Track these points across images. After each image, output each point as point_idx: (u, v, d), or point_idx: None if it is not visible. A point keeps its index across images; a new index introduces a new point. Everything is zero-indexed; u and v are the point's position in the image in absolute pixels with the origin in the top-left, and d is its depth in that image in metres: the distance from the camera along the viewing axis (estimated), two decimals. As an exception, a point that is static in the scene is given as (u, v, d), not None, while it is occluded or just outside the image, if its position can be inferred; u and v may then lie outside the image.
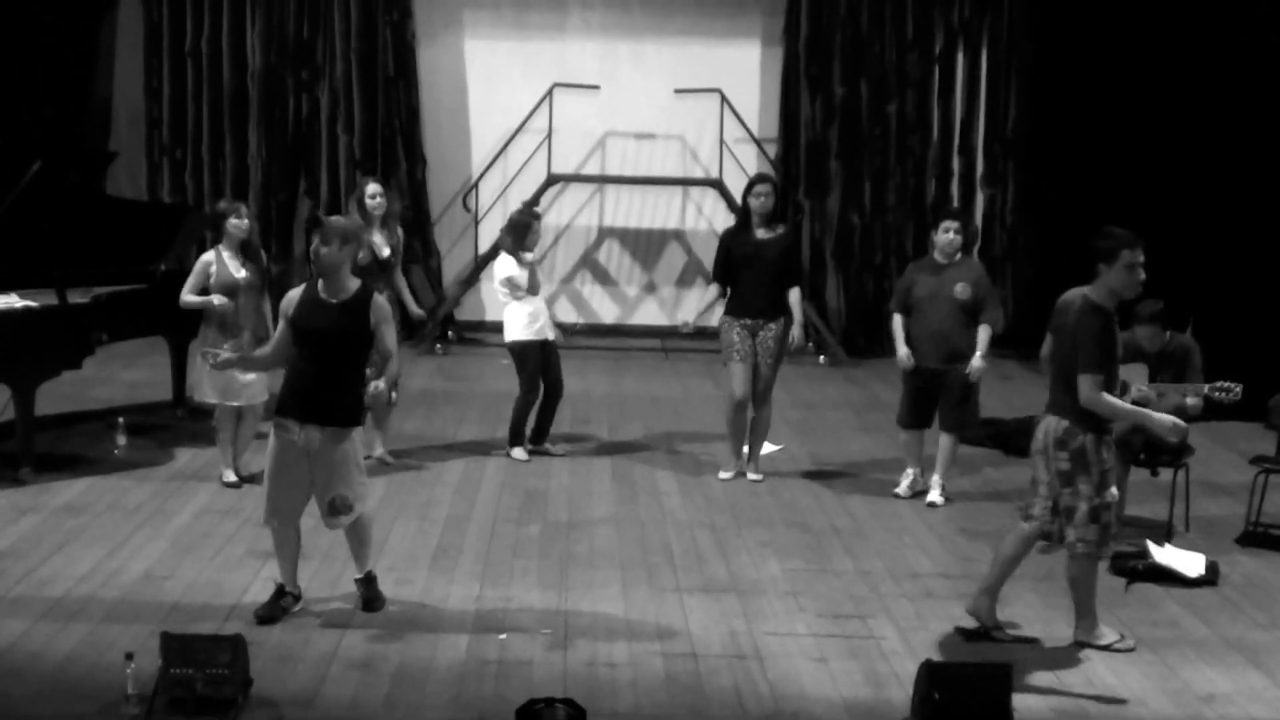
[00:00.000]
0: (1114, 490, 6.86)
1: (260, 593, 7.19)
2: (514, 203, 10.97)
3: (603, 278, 16.82)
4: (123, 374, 12.69)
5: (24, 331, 9.37)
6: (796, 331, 9.82)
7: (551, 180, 15.72)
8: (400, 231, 10.13)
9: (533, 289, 10.09)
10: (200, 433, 10.57)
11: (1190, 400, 7.94)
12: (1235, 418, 10.30)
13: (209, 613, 7.04)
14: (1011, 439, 11.12)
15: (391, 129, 15.92)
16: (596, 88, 16.09)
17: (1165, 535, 8.58)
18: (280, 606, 7.04)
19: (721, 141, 15.89)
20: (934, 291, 9.27)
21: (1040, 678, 6.58)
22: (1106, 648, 6.94)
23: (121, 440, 10.28)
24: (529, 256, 10.11)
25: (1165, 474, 8.92)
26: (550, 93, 15.78)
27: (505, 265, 10.15)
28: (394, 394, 9.98)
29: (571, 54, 16.29)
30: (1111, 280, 6.68)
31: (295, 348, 6.89)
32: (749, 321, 9.70)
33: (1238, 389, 7.64)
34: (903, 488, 9.66)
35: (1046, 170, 15.39)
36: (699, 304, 9.98)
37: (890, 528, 8.97)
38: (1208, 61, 12.69)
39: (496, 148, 16.11)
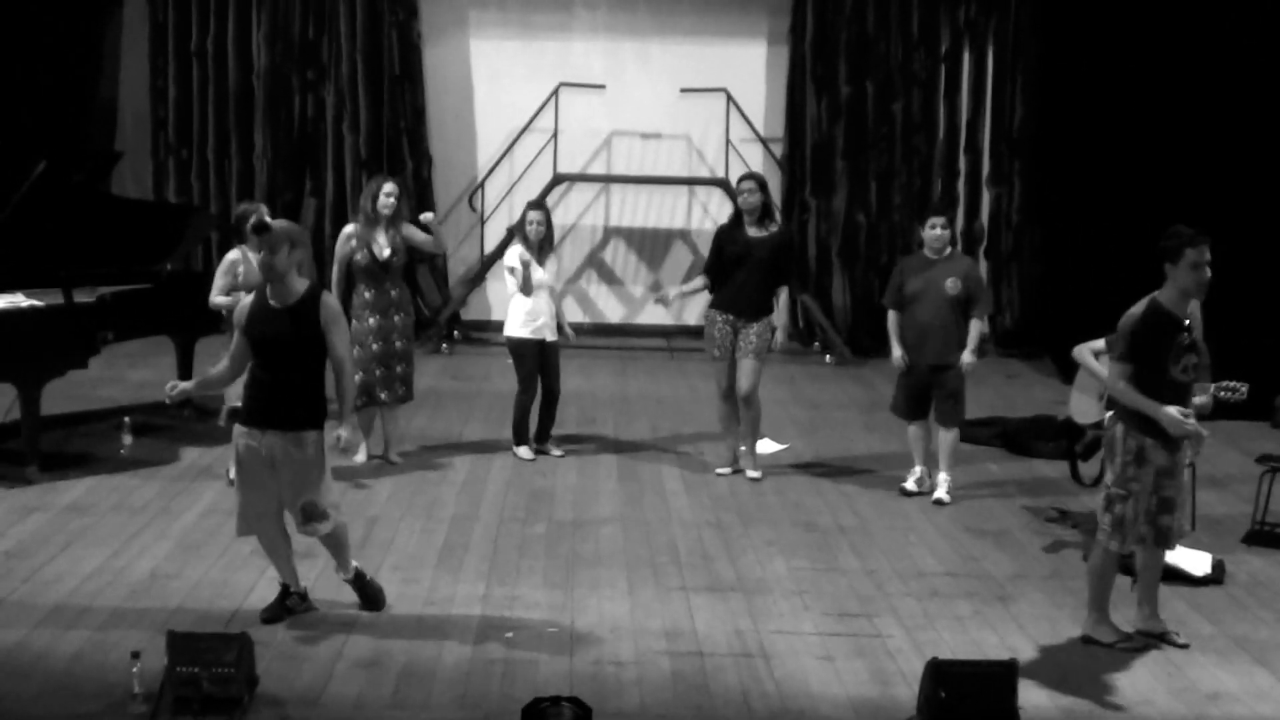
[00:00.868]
0: (1135, 485, 6.80)
1: (266, 592, 7.19)
2: (519, 203, 10.97)
3: (608, 277, 16.82)
4: (129, 374, 12.70)
5: (30, 331, 9.39)
6: (780, 335, 9.87)
7: (557, 180, 15.72)
8: (409, 230, 10.08)
9: (524, 289, 10.06)
10: (206, 432, 10.59)
11: (1198, 399, 7.91)
12: (1241, 417, 10.26)
13: (215, 612, 7.05)
14: (1016, 437, 11.13)
15: (397, 129, 15.93)
16: (602, 87, 16.10)
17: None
18: (286, 607, 7.04)
19: (727, 141, 15.90)
20: (924, 287, 9.29)
21: (1046, 675, 6.57)
22: (1110, 646, 6.94)
23: (127, 440, 10.28)
24: (524, 256, 10.07)
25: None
26: (556, 92, 15.79)
27: (509, 255, 10.19)
28: (402, 390, 10.02)
29: (577, 53, 16.30)
30: (1179, 280, 6.66)
31: (252, 357, 6.81)
32: (731, 317, 9.74)
33: (1244, 389, 7.61)
34: (910, 482, 9.67)
35: (1052, 170, 15.37)
36: (684, 284, 9.99)
37: (896, 526, 8.97)
38: (1213, 61, 12.68)
39: (502, 147, 16.12)
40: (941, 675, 5.93)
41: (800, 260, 15.81)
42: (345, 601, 7.26)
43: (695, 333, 15.92)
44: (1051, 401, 12.50)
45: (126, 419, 10.48)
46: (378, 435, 10.13)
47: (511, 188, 15.97)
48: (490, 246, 15.80)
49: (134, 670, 5.88)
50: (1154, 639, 7.03)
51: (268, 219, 6.98)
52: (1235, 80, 12.51)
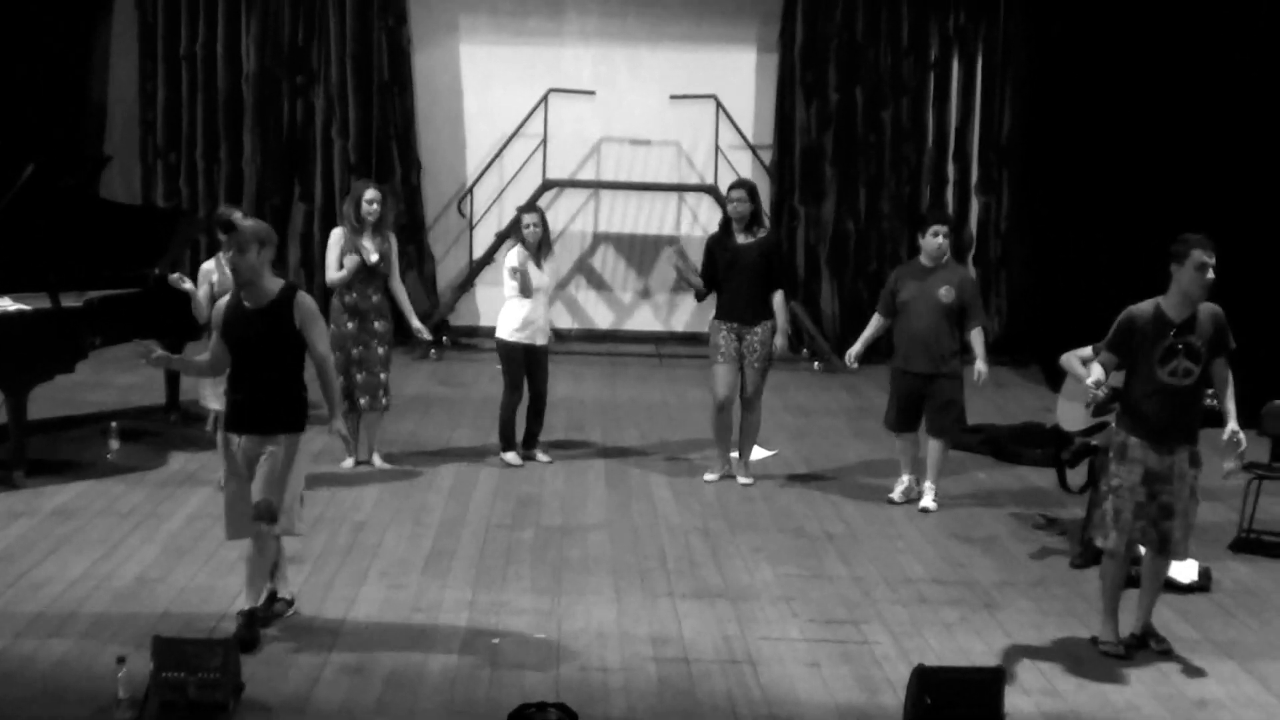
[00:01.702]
0: (1116, 481, 6.87)
1: (255, 597, 7.15)
2: (509, 208, 10.97)
3: (597, 283, 16.82)
4: (116, 378, 12.66)
5: (17, 335, 9.36)
6: (780, 340, 9.87)
7: (547, 186, 15.72)
8: (394, 238, 10.10)
9: (524, 291, 10.05)
10: (193, 437, 10.57)
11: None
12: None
13: (201, 617, 7.03)
14: (1004, 445, 11.14)
15: (387, 134, 15.93)
16: (592, 93, 16.11)
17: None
18: (273, 612, 7.01)
19: (717, 148, 15.92)
20: (918, 295, 9.30)
21: (1032, 682, 6.58)
22: (1097, 646, 6.99)
23: (115, 444, 10.26)
24: (519, 258, 10.07)
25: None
26: (546, 98, 15.80)
27: (511, 256, 10.17)
28: (385, 399, 10.02)
29: (567, 59, 16.31)
30: (1182, 281, 6.73)
31: (231, 360, 6.76)
32: (735, 325, 9.74)
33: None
34: (897, 493, 9.68)
35: (1041, 177, 15.40)
36: (692, 272, 9.97)
37: (883, 533, 8.97)
38: (1202, 69, 12.71)
39: (492, 153, 16.13)
40: (928, 682, 5.94)
41: (789, 267, 15.82)
42: (331, 608, 7.25)
43: (684, 339, 16.02)
44: (1039, 409, 12.52)
45: (114, 424, 10.46)
46: (362, 442, 10.11)
47: (501, 193, 15.97)
48: (479, 252, 15.80)
49: (119, 675, 5.86)
50: (1141, 639, 7.07)
51: (235, 218, 6.91)
52: (1224, 88, 12.54)
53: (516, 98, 15.96)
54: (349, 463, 10.01)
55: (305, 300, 6.73)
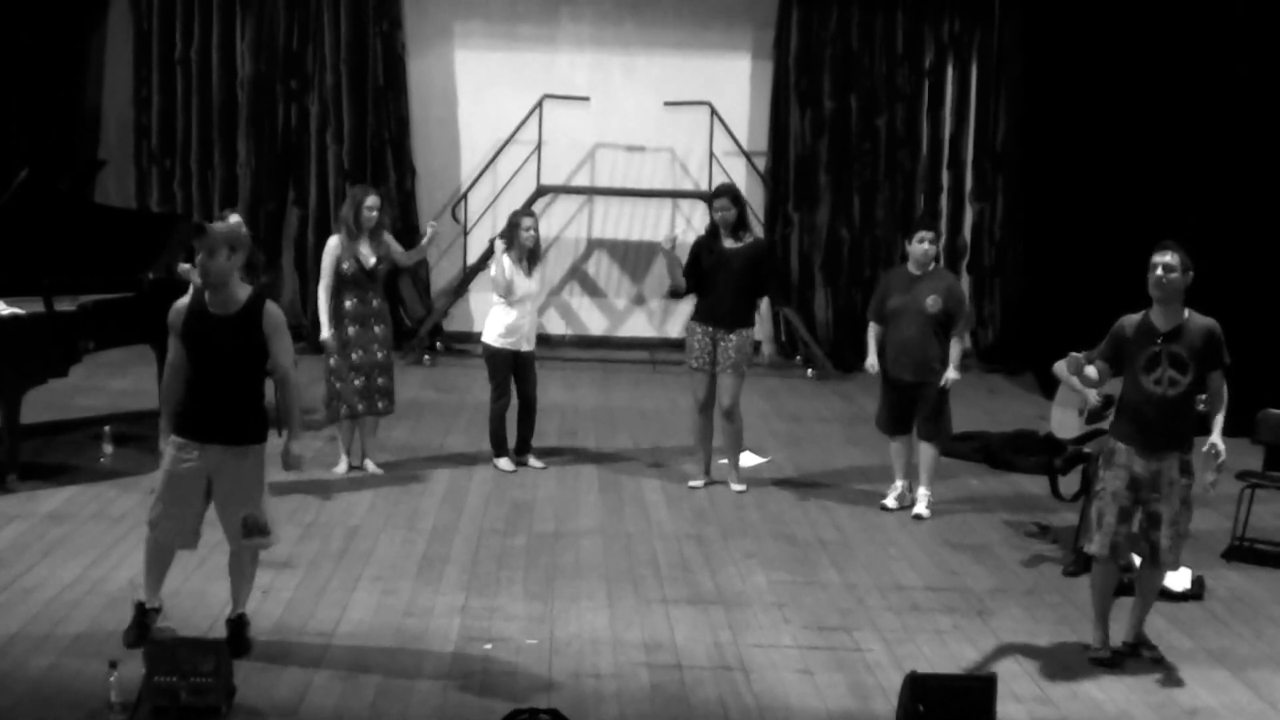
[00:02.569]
0: (1100, 485, 6.96)
1: (247, 603, 7.13)
2: (503, 214, 10.98)
3: (591, 289, 16.83)
4: (109, 383, 12.66)
5: (10, 339, 9.34)
6: (767, 348, 9.88)
7: (541, 191, 15.72)
8: (391, 239, 10.09)
9: (505, 293, 10.02)
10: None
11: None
12: (1223, 433, 10.28)
13: (193, 621, 7.02)
14: (997, 452, 11.15)
15: (381, 139, 15.93)
16: (587, 99, 16.12)
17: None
18: (144, 625, 6.74)
19: (711, 154, 15.93)
20: (905, 304, 9.30)
21: (1025, 689, 6.59)
22: (1087, 650, 7.04)
23: (108, 449, 10.25)
24: (509, 262, 10.04)
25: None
26: (540, 104, 15.81)
27: (503, 262, 10.10)
28: (385, 403, 10.01)
29: (562, 65, 16.32)
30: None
31: (188, 365, 6.50)
32: (710, 328, 9.75)
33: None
34: (890, 499, 9.68)
35: (1035, 185, 15.41)
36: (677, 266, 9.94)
37: (876, 540, 8.98)
38: (1196, 76, 12.73)
39: (486, 159, 16.13)
40: (920, 689, 5.94)
41: (783, 274, 15.85)
42: (323, 613, 7.25)
43: (677, 345, 15.92)
44: (1033, 417, 12.54)
45: (107, 428, 10.45)
46: (356, 447, 10.12)
47: (495, 199, 15.97)
48: (473, 258, 15.79)
49: (111, 679, 5.86)
50: (1133, 648, 7.08)
51: (201, 222, 6.71)
52: (1218, 94, 12.55)
53: (511, 103, 15.96)
54: (342, 468, 10.01)
55: (275, 310, 6.54)
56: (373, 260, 9.81)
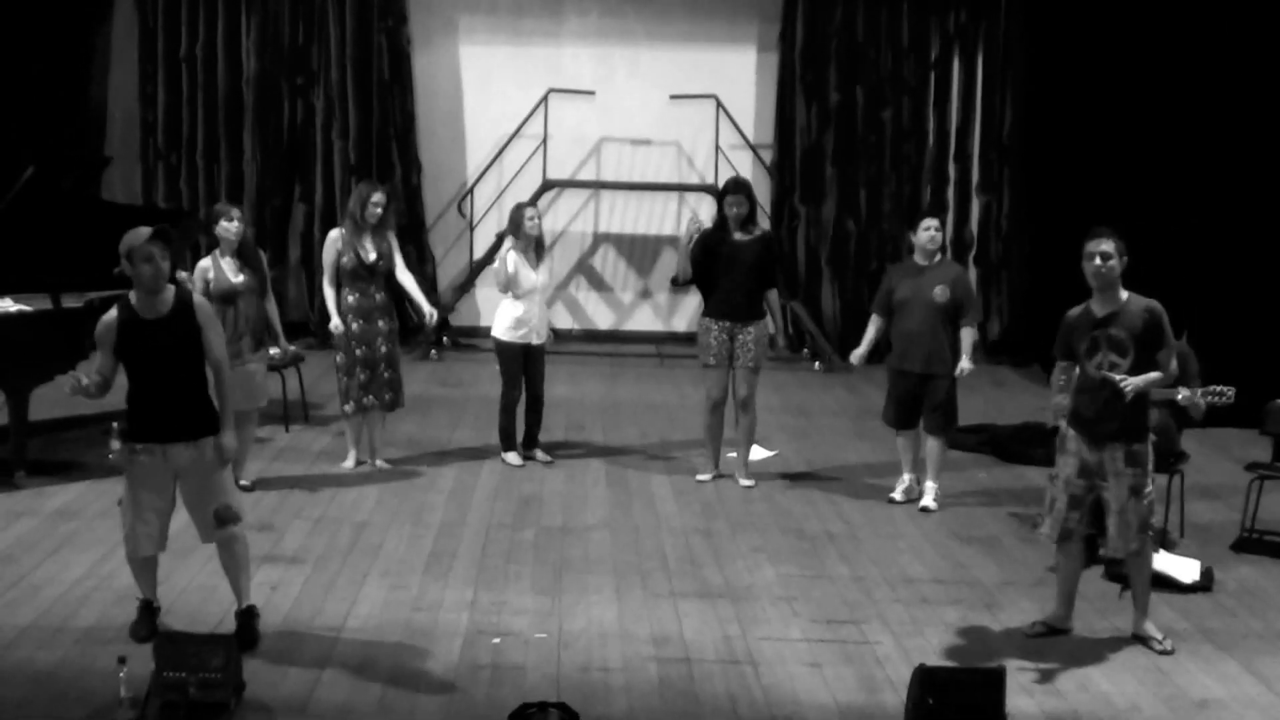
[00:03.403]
0: (1053, 470, 7.13)
1: (255, 598, 7.11)
2: (509, 209, 10.96)
3: (598, 283, 16.82)
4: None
5: (18, 336, 9.37)
6: (779, 340, 9.87)
7: (547, 186, 15.72)
8: (393, 237, 10.08)
9: (509, 286, 10.03)
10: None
11: (1182, 395, 7.90)
12: (1231, 424, 10.29)
13: (202, 618, 7.03)
14: (1005, 445, 11.14)
15: (386, 135, 15.92)
16: (592, 93, 16.11)
17: (1160, 541, 8.56)
18: (151, 620, 6.85)
19: (717, 147, 15.92)
20: (913, 295, 9.28)
21: (1033, 682, 6.58)
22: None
23: (116, 445, 10.19)
24: (515, 257, 10.05)
25: (1160, 479, 8.90)
26: (546, 98, 15.80)
27: (506, 257, 10.12)
28: (388, 397, 10.01)
29: (567, 59, 16.31)
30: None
31: (129, 374, 6.65)
32: (726, 323, 9.73)
33: (1230, 392, 7.66)
34: (898, 493, 9.68)
35: (1042, 177, 15.38)
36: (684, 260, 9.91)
37: (884, 533, 8.97)
38: (1203, 68, 12.69)
39: (492, 153, 16.12)
40: (929, 682, 5.93)
41: (789, 267, 15.84)
42: (332, 608, 7.26)
43: (685, 339, 15.99)
44: (1040, 409, 12.46)
45: (115, 424, 10.33)
46: (364, 441, 10.12)
47: (501, 193, 15.95)
48: (479, 252, 15.80)
49: (120, 675, 5.85)
50: (1139, 642, 7.09)
51: (169, 232, 6.71)
52: (1225, 87, 12.52)
53: (516, 98, 15.96)
54: (350, 463, 10.02)
55: (203, 303, 6.73)
56: (373, 255, 9.80)
